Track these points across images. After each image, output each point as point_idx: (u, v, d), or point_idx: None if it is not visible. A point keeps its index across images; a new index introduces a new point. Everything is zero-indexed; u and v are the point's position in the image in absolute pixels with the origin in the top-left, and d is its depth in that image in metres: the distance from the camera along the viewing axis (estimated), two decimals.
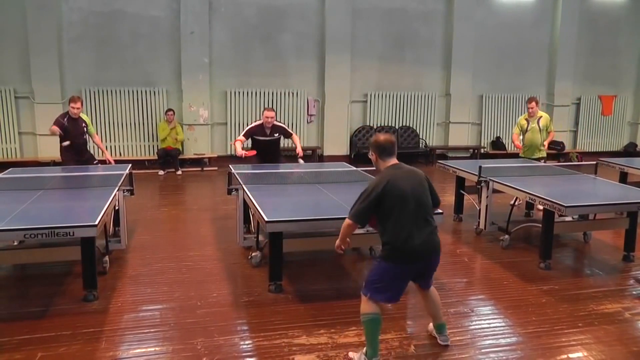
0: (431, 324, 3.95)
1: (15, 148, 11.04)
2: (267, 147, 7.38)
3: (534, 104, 8.08)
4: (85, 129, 7.78)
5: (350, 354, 3.68)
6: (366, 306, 3.48)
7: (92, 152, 8.11)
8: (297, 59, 12.16)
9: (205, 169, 11.52)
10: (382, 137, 3.62)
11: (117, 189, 5.46)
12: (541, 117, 8.08)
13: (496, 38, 13.16)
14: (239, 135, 7.52)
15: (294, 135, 7.64)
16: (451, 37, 12.71)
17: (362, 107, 12.70)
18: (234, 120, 11.89)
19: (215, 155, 11.82)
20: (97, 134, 8.32)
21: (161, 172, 10.91)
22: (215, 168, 11.50)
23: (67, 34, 11.02)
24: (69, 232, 4.09)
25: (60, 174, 6.56)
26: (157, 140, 11.41)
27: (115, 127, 11.38)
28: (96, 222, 4.20)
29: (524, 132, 8.15)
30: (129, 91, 11.36)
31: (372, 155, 3.68)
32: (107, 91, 11.21)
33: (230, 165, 6.54)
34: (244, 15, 11.75)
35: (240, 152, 7.02)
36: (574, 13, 13.28)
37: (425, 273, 3.66)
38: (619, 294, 4.90)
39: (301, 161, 7.50)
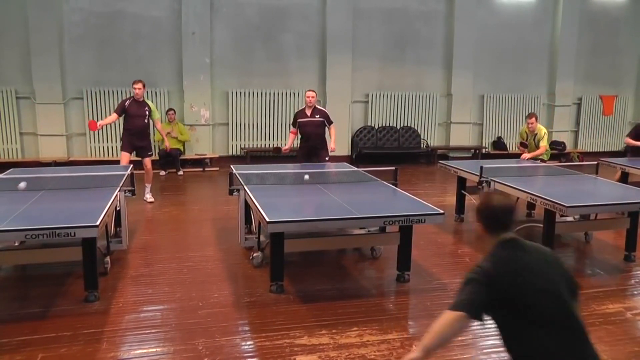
0: None
1: (17, 148, 11.04)
2: (309, 129, 7.53)
3: (533, 119, 8.02)
4: (147, 112, 8.09)
5: None
6: None
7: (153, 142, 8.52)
8: (298, 59, 12.16)
9: (206, 169, 11.52)
10: (496, 200, 2.55)
11: (118, 189, 5.46)
12: (537, 134, 8.04)
13: (497, 38, 13.15)
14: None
15: (333, 125, 7.74)
16: (452, 37, 12.71)
17: (364, 107, 12.70)
18: (236, 121, 11.89)
19: (217, 156, 11.82)
20: (159, 121, 8.57)
21: (162, 173, 10.90)
22: (217, 168, 11.50)
23: (68, 35, 11.03)
24: (70, 233, 4.09)
25: (61, 174, 6.55)
26: (159, 142, 11.40)
27: (116, 128, 11.35)
28: (97, 223, 4.20)
29: (525, 140, 8.16)
30: (129, 92, 11.29)
31: (478, 224, 2.60)
32: (108, 92, 11.22)
33: (231, 166, 6.54)
34: (245, 15, 11.76)
35: (287, 146, 7.59)
36: (574, 13, 13.27)
37: None
38: (621, 294, 4.90)
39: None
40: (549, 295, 2.29)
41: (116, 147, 11.38)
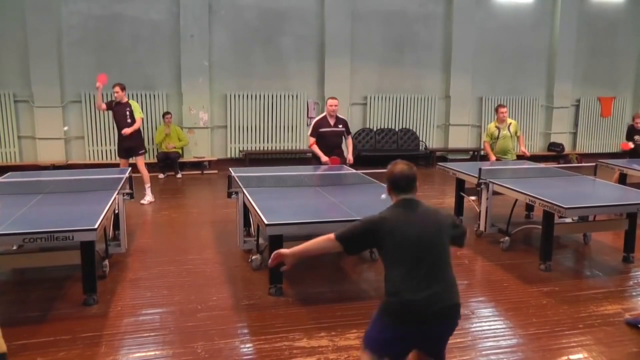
0: None
1: (15, 152, 11.03)
2: (332, 138, 7.24)
3: (505, 109, 8.14)
4: (128, 112, 8.29)
5: None
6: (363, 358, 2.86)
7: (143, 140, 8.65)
8: (297, 62, 12.17)
9: (205, 172, 11.52)
10: (398, 167, 2.99)
11: (116, 192, 5.46)
12: (510, 123, 8.10)
13: (496, 40, 13.18)
14: (309, 135, 7.36)
15: (350, 136, 7.63)
16: (451, 40, 12.73)
17: (362, 109, 12.71)
18: (234, 124, 11.90)
19: (215, 159, 11.82)
20: (141, 120, 8.51)
21: (161, 176, 10.91)
22: (215, 171, 11.50)
23: (66, 38, 11.03)
24: (69, 236, 4.09)
25: (59, 177, 6.55)
26: (156, 144, 11.40)
27: (114, 131, 11.31)
28: (96, 226, 4.20)
29: (495, 139, 8.12)
30: (128, 95, 11.25)
31: (385, 185, 3.05)
32: (106, 95, 11.16)
33: (230, 169, 6.54)
34: (244, 18, 11.77)
35: (325, 157, 7.07)
36: (572, 15, 13.30)
37: (433, 342, 2.86)
38: (619, 295, 4.91)
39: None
40: (412, 246, 2.76)
41: (115, 150, 11.36)
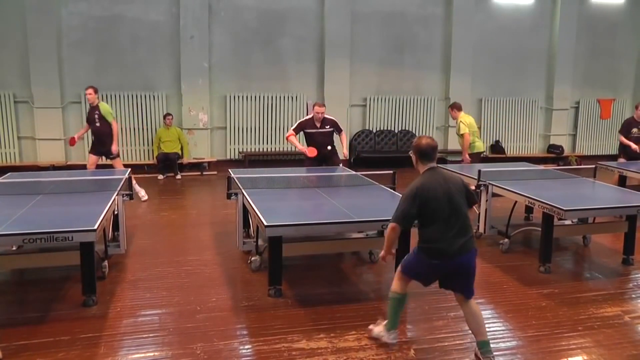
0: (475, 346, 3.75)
1: (15, 152, 11.03)
2: (318, 137, 7.43)
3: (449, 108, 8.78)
4: (97, 116, 8.16)
5: (371, 326, 4.00)
6: (397, 285, 3.78)
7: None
8: (297, 63, 12.18)
9: (204, 173, 11.52)
10: (424, 141, 3.70)
11: (116, 193, 5.45)
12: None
13: (495, 42, 13.19)
14: (289, 130, 7.71)
15: (343, 132, 7.66)
16: (450, 41, 12.74)
17: (362, 111, 12.71)
18: (234, 125, 11.90)
19: (215, 160, 11.82)
20: (115, 122, 8.38)
21: (160, 177, 10.91)
22: (215, 172, 11.50)
23: (66, 39, 11.04)
24: (68, 237, 4.08)
25: (59, 178, 6.55)
26: (154, 145, 11.40)
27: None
28: (95, 227, 4.19)
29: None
30: (128, 95, 11.37)
31: (413, 156, 3.78)
32: (106, 96, 11.20)
33: (229, 170, 6.54)
34: (244, 19, 11.77)
35: (301, 147, 7.39)
36: (572, 17, 13.32)
37: (461, 278, 3.67)
38: (619, 298, 4.90)
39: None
40: (444, 201, 3.55)
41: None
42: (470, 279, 3.68)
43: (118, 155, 8.52)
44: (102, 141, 8.29)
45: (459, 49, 12.74)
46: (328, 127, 7.53)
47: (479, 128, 13.19)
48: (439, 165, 3.78)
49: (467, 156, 8.50)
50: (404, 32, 12.64)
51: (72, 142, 8.57)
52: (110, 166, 8.54)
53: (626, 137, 8.92)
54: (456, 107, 8.76)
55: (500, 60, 13.31)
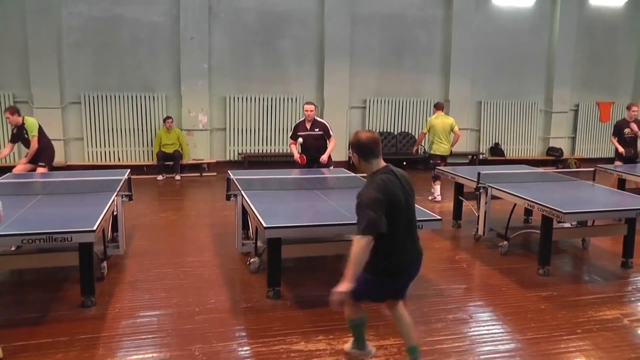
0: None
1: (14, 153, 10.97)
2: (309, 142, 7.45)
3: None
4: (26, 135, 7.78)
5: (346, 347, 3.73)
6: (351, 311, 3.38)
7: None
8: (297, 65, 12.19)
9: (204, 174, 11.52)
10: (363, 135, 3.18)
11: (115, 194, 5.45)
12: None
13: (495, 45, 13.21)
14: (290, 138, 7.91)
15: (332, 138, 7.60)
16: (450, 44, 12.75)
17: (361, 113, 12.73)
18: (233, 126, 11.90)
19: (214, 161, 11.82)
20: (36, 139, 7.80)
21: (160, 178, 10.90)
22: (214, 174, 11.50)
23: (66, 39, 11.04)
24: (67, 238, 4.08)
25: (58, 178, 6.55)
26: (154, 146, 11.39)
27: (114, 133, 11.38)
28: (94, 228, 4.19)
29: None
30: (128, 96, 11.37)
31: (354, 157, 3.25)
32: (106, 96, 11.23)
33: (229, 171, 6.54)
34: (244, 21, 11.78)
35: (296, 155, 7.47)
36: (572, 20, 13.34)
37: (406, 287, 3.41)
38: (618, 301, 4.90)
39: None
40: (402, 207, 3.11)
41: (114, 152, 11.40)
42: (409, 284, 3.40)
43: (45, 166, 7.90)
44: (36, 157, 7.82)
45: (458, 51, 12.75)
46: (317, 130, 7.50)
47: (478, 130, 13.31)
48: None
49: (416, 148, 10.00)
50: (404, 34, 12.66)
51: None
52: (110, 167, 8.48)
53: (619, 138, 9.03)
54: (435, 105, 9.50)
55: (500, 62, 13.33)
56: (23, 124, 7.80)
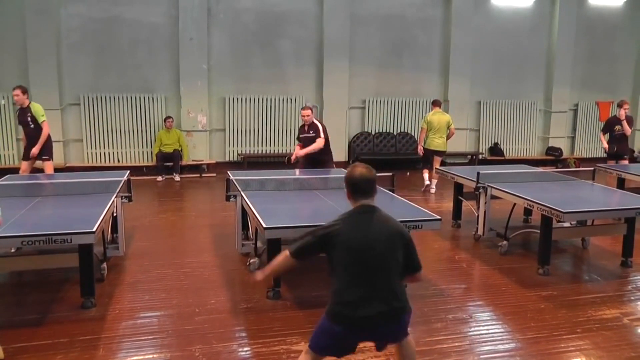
0: None
1: (14, 154, 11.02)
2: (306, 144, 7.75)
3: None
4: (29, 118, 7.78)
5: None
6: (303, 358, 2.99)
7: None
8: (296, 66, 12.19)
9: (203, 175, 11.52)
10: (357, 171, 2.93)
11: (115, 195, 5.45)
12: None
13: (494, 44, 13.21)
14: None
15: (319, 139, 7.62)
16: (449, 44, 12.76)
17: (361, 113, 12.73)
18: (233, 127, 11.91)
19: (214, 162, 11.82)
20: (46, 124, 7.95)
21: (159, 179, 10.90)
22: (214, 174, 11.50)
23: (65, 40, 11.04)
24: (67, 239, 4.07)
25: (57, 180, 6.55)
26: (153, 147, 11.39)
27: (113, 134, 11.38)
28: (94, 229, 4.19)
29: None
30: (127, 97, 11.36)
31: (345, 189, 3.01)
32: (105, 97, 11.22)
33: (228, 172, 6.54)
34: (243, 21, 11.79)
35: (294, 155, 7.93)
36: (571, 19, 13.35)
37: (380, 340, 2.96)
38: (618, 300, 4.91)
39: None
40: (363, 254, 2.77)
41: (114, 153, 11.40)
42: (400, 333, 2.94)
43: (50, 159, 8.04)
44: (35, 143, 7.81)
45: (457, 51, 12.76)
46: (312, 132, 7.68)
47: (477, 130, 13.32)
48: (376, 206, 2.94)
49: (420, 147, 9.87)
50: (403, 34, 12.66)
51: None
52: (110, 168, 8.48)
53: (609, 135, 9.15)
54: (433, 102, 10.04)
55: (499, 62, 13.33)
56: (28, 106, 7.82)
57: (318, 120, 7.86)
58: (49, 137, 8.02)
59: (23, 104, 7.82)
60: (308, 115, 7.71)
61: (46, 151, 7.97)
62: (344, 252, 2.80)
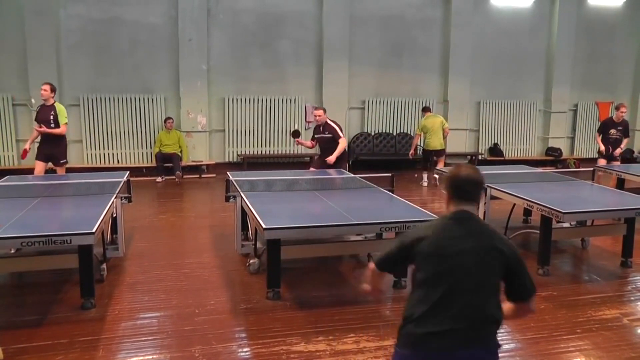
0: None
1: (13, 155, 11.01)
2: (321, 144, 7.87)
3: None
4: (52, 117, 7.68)
5: None
6: None
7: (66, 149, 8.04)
8: (295, 66, 12.19)
9: (203, 176, 11.51)
10: (464, 171, 2.51)
11: (114, 196, 5.45)
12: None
13: (494, 45, 13.21)
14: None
15: (341, 140, 7.66)
16: (449, 44, 12.76)
17: (360, 113, 12.72)
18: (232, 127, 11.90)
19: (213, 162, 11.82)
20: (65, 127, 7.81)
21: (159, 179, 10.89)
22: (214, 175, 11.49)
23: (65, 41, 11.03)
24: (67, 240, 4.07)
25: (57, 181, 6.55)
26: (153, 147, 11.39)
27: (113, 135, 11.37)
28: (94, 230, 4.19)
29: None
30: (127, 98, 11.36)
31: (445, 191, 2.62)
32: (105, 98, 11.22)
33: (228, 172, 6.54)
34: (242, 22, 11.79)
35: (308, 144, 8.11)
36: (571, 20, 13.35)
37: None
38: (617, 300, 4.91)
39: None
40: (449, 266, 2.34)
41: (114, 154, 11.40)
42: None
43: (67, 162, 8.04)
44: (52, 144, 7.71)
45: (457, 51, 12.76)
46: (327, 133, 7.71)
47: (477, 130, 13.32)
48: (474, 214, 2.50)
49: (412, 152, 10.91)
50: (403, 35, 12.66)
51: (24, 155, 7.91)
52: (109, 169, 8.47)
53: (603, 137, 9.14)
54: (423, 109, 11.10)
55: (499, 63, 13.33)
56: (53, 105, 7.75)
57: (332, 121, 7.83)
58: (65, 139, 8.00)
59: (47, 101, 7.73)
60: (320, 116, 7.73)
61: (64, 155, 7.97)
62: (424, 262, 2.40)
